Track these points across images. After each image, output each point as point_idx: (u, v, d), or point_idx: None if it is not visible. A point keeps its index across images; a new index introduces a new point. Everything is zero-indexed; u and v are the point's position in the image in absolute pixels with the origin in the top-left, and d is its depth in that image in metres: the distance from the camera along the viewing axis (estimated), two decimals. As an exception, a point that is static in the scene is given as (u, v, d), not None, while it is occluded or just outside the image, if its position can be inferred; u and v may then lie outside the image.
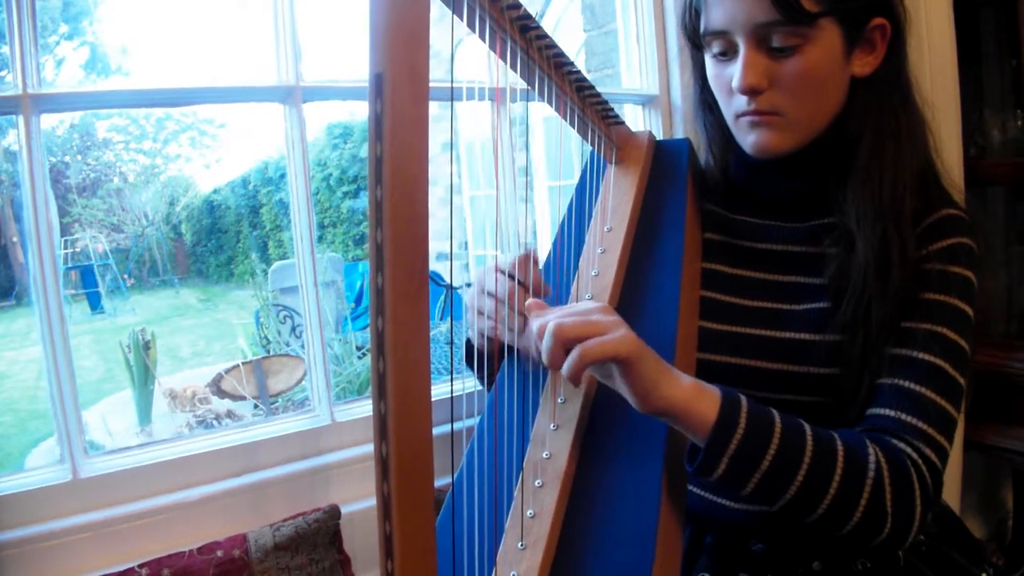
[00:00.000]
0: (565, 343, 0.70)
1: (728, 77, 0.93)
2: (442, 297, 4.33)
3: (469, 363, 1.03)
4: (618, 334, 0.71)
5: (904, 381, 0.84)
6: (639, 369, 0.72)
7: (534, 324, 0.74)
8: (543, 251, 1.04)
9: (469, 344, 1.01)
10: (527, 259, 0.88)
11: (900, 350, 0.86)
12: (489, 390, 1.00)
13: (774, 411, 0.78)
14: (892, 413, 0.83)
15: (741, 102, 0.93)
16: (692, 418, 0.74)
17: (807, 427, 0.78)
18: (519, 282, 0.87)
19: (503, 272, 0.88)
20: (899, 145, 0.92)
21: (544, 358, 0.71)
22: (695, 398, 0.74)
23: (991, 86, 2.09)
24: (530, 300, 0.79)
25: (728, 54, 0.93)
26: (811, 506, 0.76)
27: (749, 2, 0.87)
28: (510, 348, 0.92)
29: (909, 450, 0.80)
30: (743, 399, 0.77)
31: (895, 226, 0.88)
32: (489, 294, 0.90)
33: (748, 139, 0.96)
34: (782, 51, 0.88)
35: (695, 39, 0.98)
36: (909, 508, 0.78)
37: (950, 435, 0.84)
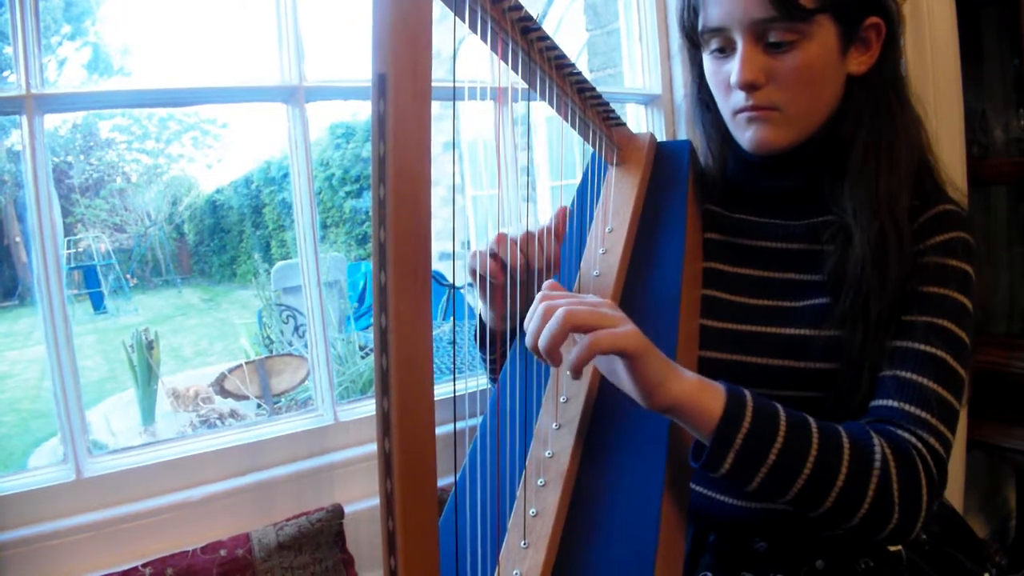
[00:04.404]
0: (573, 329, 0.70)
1: (726, 74, 0.94)
2: (444, 297, 4.33)
3: (479, 344, 1.04)
4: (626, 328, 0.71)
5: (906, 372, 0.85)
6: (644, 365, 0.72)
7: (541, 305, 0.73)
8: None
9: (481, 323, 1.02)
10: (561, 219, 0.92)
11: (901, 342, 0.87)
12: (492, 379, 1.00)
13: (779, 405, 0.78)
14: (895, 404, 0.83)
15: (739, 98, 0.94)
16: (697, 414, 0.75)
17: (812, 421, 0.78)
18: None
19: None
20: (894, 143, 0.92)
21: (544, 341, 0.70)
22: (700, 394, 0.75)
23: (993, 86, 2.09)
24: (549, 280, 0.79)
25: (726, 51, 0.94)
26: (818, 500, 0.76)
27: None
28: (512, 333, 0.93)
29: (914, 440, 0.80)
30: (748, 394, 0.77)
31: (891, 222, 0.89)
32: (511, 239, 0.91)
33: (746, 135, 0.96)
34: (779, 47, 0.89)
35: (693, 37, 0.99)
36: (916, 498, 0.78)
37: (953, 425, 0.84)
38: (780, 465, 0.75)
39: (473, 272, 0.93)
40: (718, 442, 0.75)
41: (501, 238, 0.90)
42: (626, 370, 0.73)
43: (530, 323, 0.73)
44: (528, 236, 0.90)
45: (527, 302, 0.80)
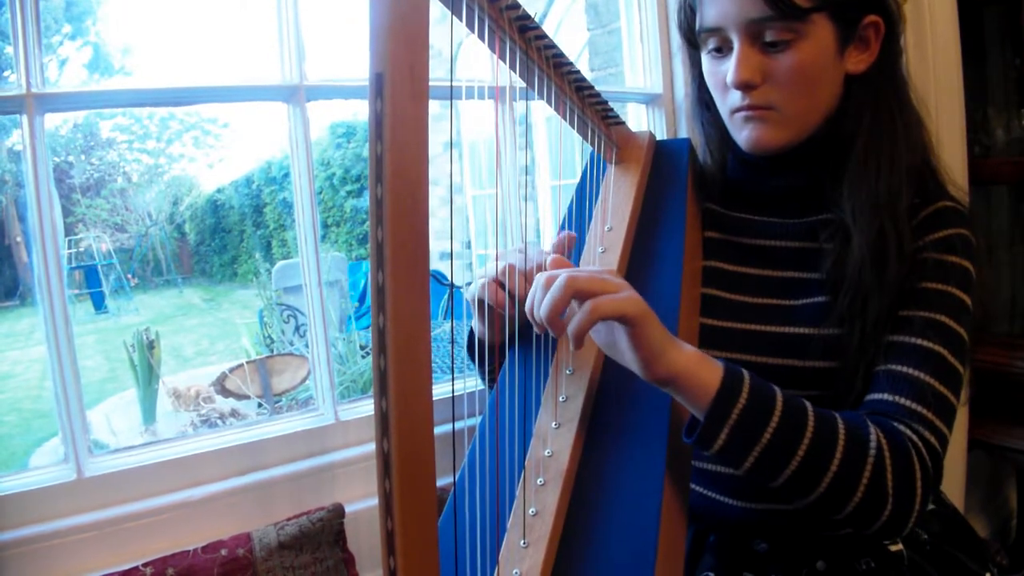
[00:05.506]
0: (575, 295, 0.71)
1: (723, 73, 0.93)
2: (444, 296, 4.33)
3: (471, 354, 1.03)
4: (628, 294, 0.72)
5: (902, 367, 0.84)
6: (645, 333, 0.72)
7: (541, 277, 0.73)
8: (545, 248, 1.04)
9: (471, 335, 1.01)
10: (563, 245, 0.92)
11: (898, 337, 0.87)
12: (490, 387, 1.00)
13: (776, 387, 0.78)
14: (890, 398, 0.83)
15: (735, 98, 0.94)
16: (694, 386, 0.74)
17: (808, 404, 0.78)
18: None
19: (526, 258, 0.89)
20: (894, 142, 0.92)
21: (545, 308, 0.71)
22: (698, 366, 0.75)
23: (995, 85, 2.09)
24: (553, 256, 0.79)
25: (723, 50, 0.94)
26: (811, 484, 0.76)
27: None
28: (511, 340, 0.92)
29: (909, 432, 0.80)
30: (745, 372, 0.77)
31: (891, 221, 0.89)
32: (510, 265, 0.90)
33: (743, 134, 0.96)
34: (775, 46, 0.89)
35: (691, 37, 0.99)
36: (910, 490, 0.77)
37: (949, 421, 0.83)
38: (774, 445, 0.75)
39: (474, 298, 0.92)
40: (713, 416, 0.74)
41: (510, 269, 0.89)
42: (627, 338, 0.72)
43: (532, 296, 0.74)
44: (532, 271, 0.88)
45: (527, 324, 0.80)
